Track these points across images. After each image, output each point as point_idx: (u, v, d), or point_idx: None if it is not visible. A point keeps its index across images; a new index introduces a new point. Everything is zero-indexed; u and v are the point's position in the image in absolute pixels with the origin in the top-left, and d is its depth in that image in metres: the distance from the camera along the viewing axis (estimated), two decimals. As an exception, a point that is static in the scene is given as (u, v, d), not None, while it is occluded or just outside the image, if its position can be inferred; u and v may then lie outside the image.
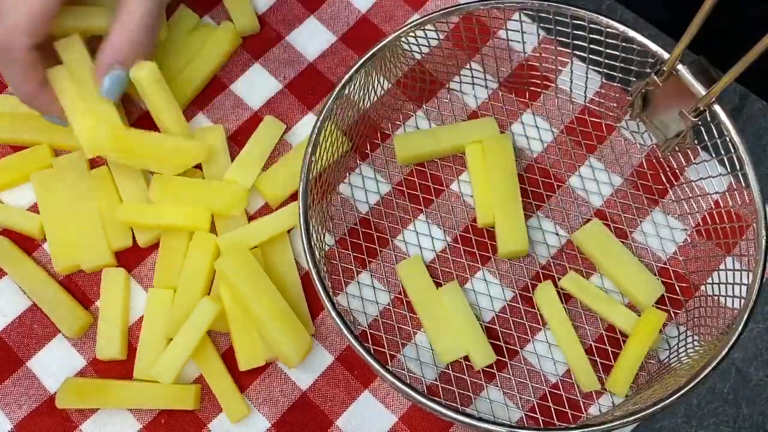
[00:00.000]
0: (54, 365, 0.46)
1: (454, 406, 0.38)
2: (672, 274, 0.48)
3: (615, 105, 0.51)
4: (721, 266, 0.47)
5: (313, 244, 0.42)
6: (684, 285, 0.48)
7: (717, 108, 0.42)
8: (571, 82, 0.51)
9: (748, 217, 0.48)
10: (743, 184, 0.43)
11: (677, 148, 0.47)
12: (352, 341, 0.40)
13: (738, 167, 0.42)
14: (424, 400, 0.38)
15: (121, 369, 0.46)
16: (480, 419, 0.38)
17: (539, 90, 0.52)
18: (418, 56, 0.52)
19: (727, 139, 0.43)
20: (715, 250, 0.48)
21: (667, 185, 0.49)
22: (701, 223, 0.49)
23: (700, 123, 0.44)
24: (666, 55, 0.43)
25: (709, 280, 0.47)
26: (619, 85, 0.49)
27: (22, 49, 0.41)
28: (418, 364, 0.46)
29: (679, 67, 0.43)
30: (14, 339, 0.47)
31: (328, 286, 0.41)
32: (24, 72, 0.43)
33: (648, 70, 0.45)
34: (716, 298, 0.46)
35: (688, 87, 0.42)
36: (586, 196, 0.50)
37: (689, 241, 0.49)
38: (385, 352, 0.46)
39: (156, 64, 0.45)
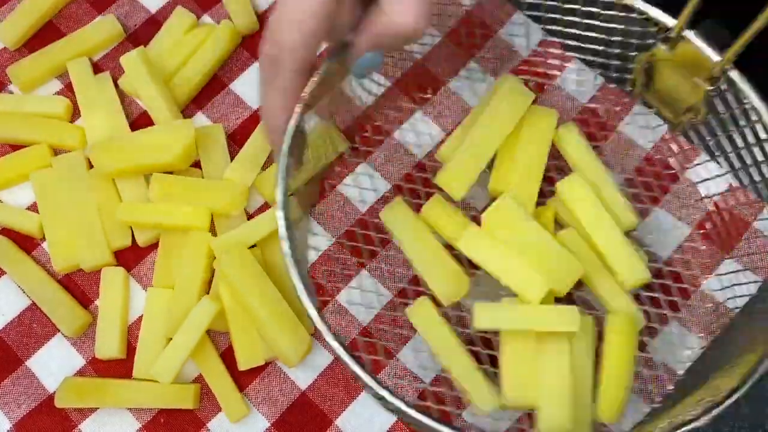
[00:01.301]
0: (53, 364, 0.46)
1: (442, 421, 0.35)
2: (670, 274, 0.48)
3: (616, 107, 0.51)
4: (722, 266, 0.47)
5: (298, 257, 0.38)
6: (682, 285, 0.48)
7: (734, 74, 0.38)
8: (572, 80, 0.51)
9: (748, 217, 0.48)
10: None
11: (689, 125, 0.43)
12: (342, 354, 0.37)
13: (764, 137, 0.39)
14: (410, 413, 0.35)
15: (121, 368, 0.46)
16: None
17: (538, 90, 0.52)
18: (418, 55, 0.52)
19: (748, 107, 0.39)
20: (715, 250, 0.48)
21: (669, 185, 0.49)
22: (702, 223, 0.49)
23: (715, 92, 0.40)
24: (671, 21, 0.40)
25: (708, 280, 0.47)
26: (615, 85, 0.49)
27: (294, 59, 0.36)
28: (417, 365, 0.46)
29: (687, 32, 0.39)
30: (13, 338, 0.47)
31: (315, 300, 0.37)
32: (292, 83, 0.38)
33: (651, 41, 0.42)
34: (715, 297, 0.46)
35: (699, 54, 0.39)
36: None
37: (689, 240, 0.49)
38: (378, 360, 0.46)
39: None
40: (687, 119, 0.43)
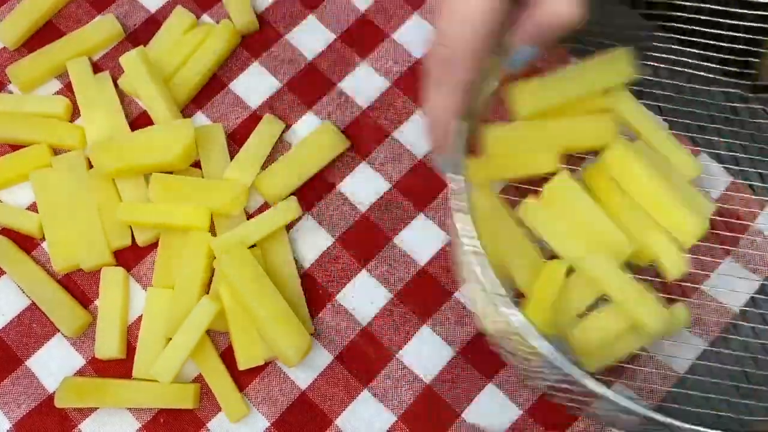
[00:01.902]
0: (53, 364, 0.46)
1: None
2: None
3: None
4: (722, 266, 0.47)
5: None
6: (684, 284, 0.48)
7: None
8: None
9: (748, 217, 0.48)
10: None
11: None
12: None
13: None
14: None
15: (120, 368, 0.46)
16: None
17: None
18: (417, 54, 0.52)
19: None
20: (715, 250, 0.48)
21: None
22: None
23: None
24: None
25: (709, 281, 0.47)
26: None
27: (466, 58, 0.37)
28: (417, 364, 0.46)
29: None
30: (13, 338, 0.47)
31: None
32: (464, 82, 0.38)
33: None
34: (715, 297, 0.46)
35: None
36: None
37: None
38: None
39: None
40: None
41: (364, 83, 0.52)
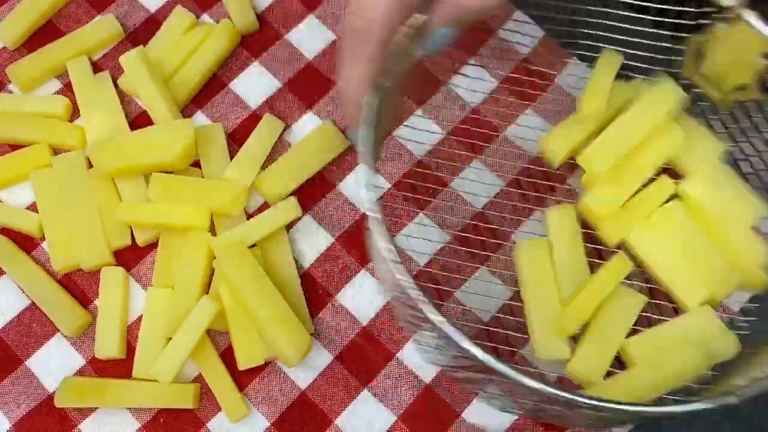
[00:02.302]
0: (53, 364, 0.46)
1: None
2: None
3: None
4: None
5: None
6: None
7: None
8: (576, 78, 0.51)
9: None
10: None
11: (740, 100, 0.44)
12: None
13: None
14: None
15: (120, 368, 0.46)
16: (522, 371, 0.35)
17: (539, 91, 0.52)
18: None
19: None
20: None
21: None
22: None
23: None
24: (728, 1, 0.41)
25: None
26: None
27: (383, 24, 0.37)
28: (416, 364, 0.46)
29: (743, 12, 0.41)
30: (13, 338, 0.47)
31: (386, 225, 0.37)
32: (378, 54, 0.38)
33: (704, 22, 0.43)
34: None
35: (756, 33, 0.40)
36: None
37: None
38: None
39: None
40: (734, 98, 0.44)
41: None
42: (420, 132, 0.50)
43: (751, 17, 0.41)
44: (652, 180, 0.46)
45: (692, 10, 0.44)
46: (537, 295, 0.45)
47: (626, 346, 0.43)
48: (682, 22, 0.44)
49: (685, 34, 0.45)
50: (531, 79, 0.52)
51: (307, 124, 0.51)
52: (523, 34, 0.52)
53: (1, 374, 0.46)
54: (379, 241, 0.35)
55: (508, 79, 0.52)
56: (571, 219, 0.46)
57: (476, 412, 0.45)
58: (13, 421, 0.45)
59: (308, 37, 0.53)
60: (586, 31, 0.48)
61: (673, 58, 0.46)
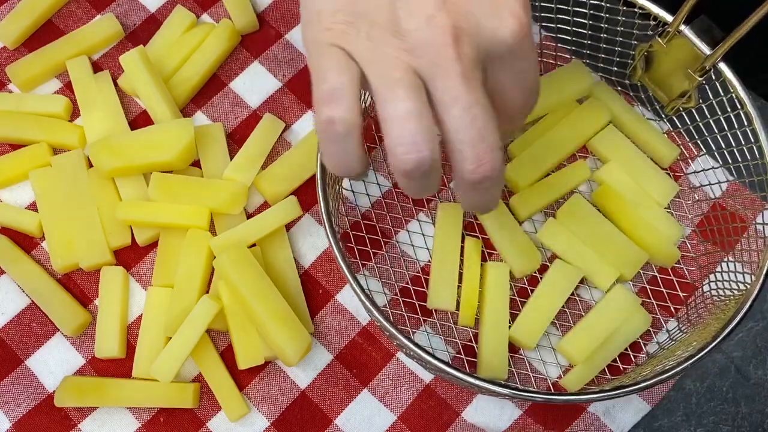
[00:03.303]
0: (53, 364, 0.46)
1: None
2: (671, 272, 0.48)
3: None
4: (721, 265, 0.47)
5: (332, 219, 0.41)
6: (684, 281, 0.48)
7: (722, 66, 0.42)
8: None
9: (747, 218, 0.48)
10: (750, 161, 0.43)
11: (681, 108, 0.47)
12: (377, 315, 0.39)
13: (746, 123, 0.43)
14: (448, 369, 0.38)
15: (120, 367, 0.46)
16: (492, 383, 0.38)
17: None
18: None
19: (734, 96, 0.43)
20: (714, 250, 0.48)
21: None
22: (702, 223, 0.49)
23: (704, 82, 0.44)
24: (668, 17, 0.43)
25: (708, 279, 0.47)
26: (616, 78, 0.50)
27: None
28: (416, 364, 0.46)
29: (683, 27, 0.43)
30: (13, 337, 0.47)
31: (349, 262, 0.41)
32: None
33: (650, 33, 0.45)
34: (714, 296, 0.46)
35: (692, 47, 0.43)
36: (589, 188, 0.50)
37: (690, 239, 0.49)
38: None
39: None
40: (679, 104, 0.46)
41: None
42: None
43: (689, 32, 0.43)
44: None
45: (637, 21, 0.46)
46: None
47: (564, 345, 0.46)
48: (633, 31, 0.46)
49: (632, 52, 0.47)
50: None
51: (307, 124, 0.51)
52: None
53: (1, 374, 0.46)
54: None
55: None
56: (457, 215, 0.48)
57: (476, 412, 0.45)
58: (13, 421, 0.45)
59: (308, 36, 0.53)
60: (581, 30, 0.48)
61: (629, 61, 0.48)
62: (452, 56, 0.31)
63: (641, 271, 0.48)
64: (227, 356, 0.46)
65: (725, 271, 0.47)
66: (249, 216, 0.49)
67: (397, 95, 0.31)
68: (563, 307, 0.47)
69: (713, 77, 0.44)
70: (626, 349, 0.46)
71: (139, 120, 0.51)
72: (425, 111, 0.31)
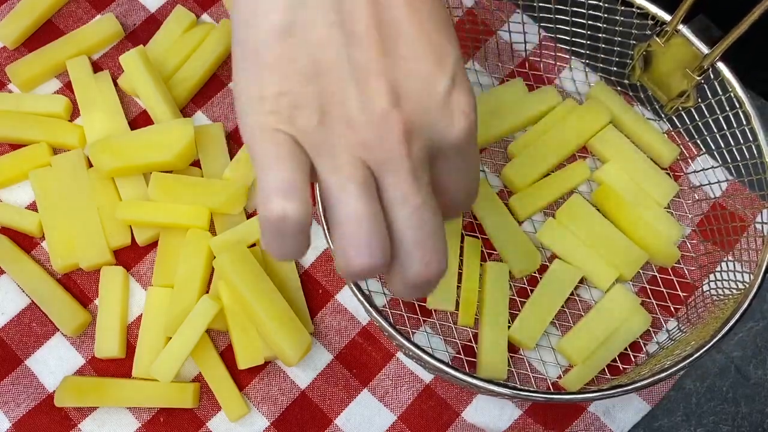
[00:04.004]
0: (53, 363, 0.46)
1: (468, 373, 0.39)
2: (671, 271, 0.48)
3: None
4: (721, 265, 0.47)
5: None
6: (684, 280, 0.48)
7: (721, 65, 0.43)
8: (573, 81, 0.52)
9: (747, 217, 0.48)
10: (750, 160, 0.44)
11: (680, 108, 0.47)
12: (376, 317, 0.39)
13: (745, 122, 0.43)
14: (448, 369, 0.38)
15: (120, 367, 0.46)
16: (493, 383, 0.38)
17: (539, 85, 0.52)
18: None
19: (732, 95, 0.43)
20: (714, 250, 0.48)
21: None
22: (702, 223, 0.49)
23: (703, 81, 0.44)
24: (666, 17, 0.43)
25: (708, 279, 0.47)
26: (614, 79, 0.50)
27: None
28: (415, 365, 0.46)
29: (681, 27, 0.43)
30: (13, 337, 0.47)
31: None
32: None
33: (648, 32, 0.45)
34: (714, 296, 0.46)
35: (691, 46, 0.43)
36: (588, 188, 0.50)
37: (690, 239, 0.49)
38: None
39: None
40: (678, 104, 0.46)
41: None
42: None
43: (687, 32, 0.43)
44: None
45: (635, 21, 0.46)
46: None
47: (564, 345, 0.46)
48: (632, 31, 0.46)
49: (631, 51, 0.47)
50: (531, 80, 0.52)
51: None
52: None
53: (1, 374, 0.46)
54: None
55: (508, 78, 0.52)
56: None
57: (476, 412, 0.45)
58: (13, 421, 0.45)
59: (308, 36, 0.53)
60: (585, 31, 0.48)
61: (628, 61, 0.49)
62: (404, 153, 0.30)
63: (641, 271, 0.48)
64: (227, 356, 0.46)
65: (725, 271, 0.47)
66: (249, 216, 0.49)
67: (350, 193, 0.29)
68: (563, 307, 0.47)
69: (712, 76, 0.44)
70: (626, 349, 0.46)
71: (139, 120, 0.51)
72: (378, 212, 0.30)
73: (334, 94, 0.30)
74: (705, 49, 0.42)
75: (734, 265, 0.47)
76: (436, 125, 0.31)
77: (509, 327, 0.46)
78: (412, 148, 0.30)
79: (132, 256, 0.48)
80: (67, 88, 0.52)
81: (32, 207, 0.49)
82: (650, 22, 0.45)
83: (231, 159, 0.50)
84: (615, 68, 0.49)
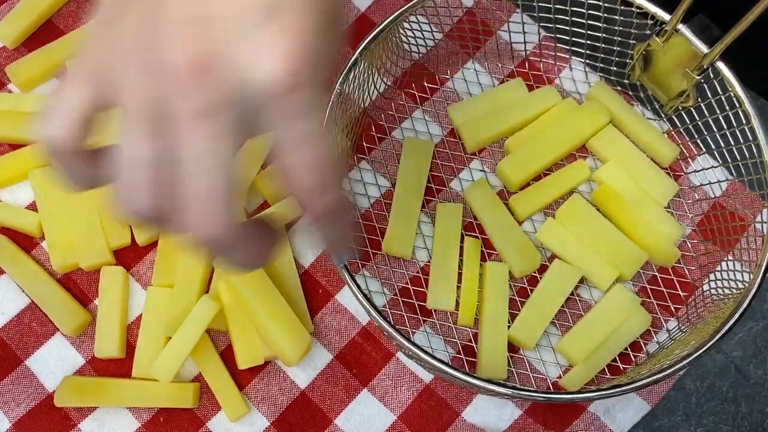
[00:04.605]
0: (53, 363, 0.46)
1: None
2: (671, 271, 0.48)
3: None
4: (721, 265, 0.47)
5: None
6: (684, 280, 0.48)
7: (720, 64, 0.43)
8: (573, 81, 0.52)
9: (747, 217, 0.48)
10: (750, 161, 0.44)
11: (680, 107, 0.47)
12: (376, 316, 0.39)
13: (744, 121, 0.43)
14: (448, 369, 0.38)
15: (120, 367, 0.46)
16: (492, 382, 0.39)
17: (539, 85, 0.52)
18: (416, 54, 0.52)
19: (732, 94, 0.43)
20: (714, 249, 0.48)
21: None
22: (702, 223, 0.49)
23: (702, 80, 0.44)
24: (666, 16, 0.44)
25: (708, 279, 0.47)
26: (615, 78, 0.50)
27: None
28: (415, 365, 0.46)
29: (680, 26, 0.43)
30: (13, 337, 0.47)
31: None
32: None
33: (648, 32, 0.45)
34: (714, 295, 0.46)
35: (690, 46, 0.43)
36: (588, 188, 0.50)
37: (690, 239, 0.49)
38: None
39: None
40: (678, 103, 0.47)
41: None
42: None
43: (686, 31, 0.43)
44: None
45: (635, 20, 0.46)
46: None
47: (564, 345, 0.46)
48: (631, 30, 0.47)
49: (631, 51, 0.47)
50: (531, 80, 0.52)
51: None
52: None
53: (1, 374, 0.46)
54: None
55: (508, 78, 0.52)
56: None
57: (476, 412, 0.45)
58: (13, 421, 0.45)
59: (308, 36, 0.53)
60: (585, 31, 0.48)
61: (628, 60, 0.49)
62: (188, 90, 0.26)
63: (641, 271, 0.48)
64: (227, 356, 0.46)
65: (725, 270, 0.47)
66: (249, 215, 0.49)
67: (127, 136, 0.27)
68: (563, 306, 0.47)
69: (711, 76, 0.44)
70: (626, 349, 0.46)
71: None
72: (160, 158, 0.27)
73: (144, 41, 0.27)
74: (704, 49, 0.42)
75: (734, 264, 0.47)
76: (236, 61, 0.26)
77: (509, 327, 0.46)
78: (201, 85, 0.26)
79: (132, 256, 0.48)
80: (67, 88, 0.52)
81: (32, 207, 0.49)
82: (650, 21, 0.45)
83: (231, 159, 0.50)
84: (615, 68, 0.49)
